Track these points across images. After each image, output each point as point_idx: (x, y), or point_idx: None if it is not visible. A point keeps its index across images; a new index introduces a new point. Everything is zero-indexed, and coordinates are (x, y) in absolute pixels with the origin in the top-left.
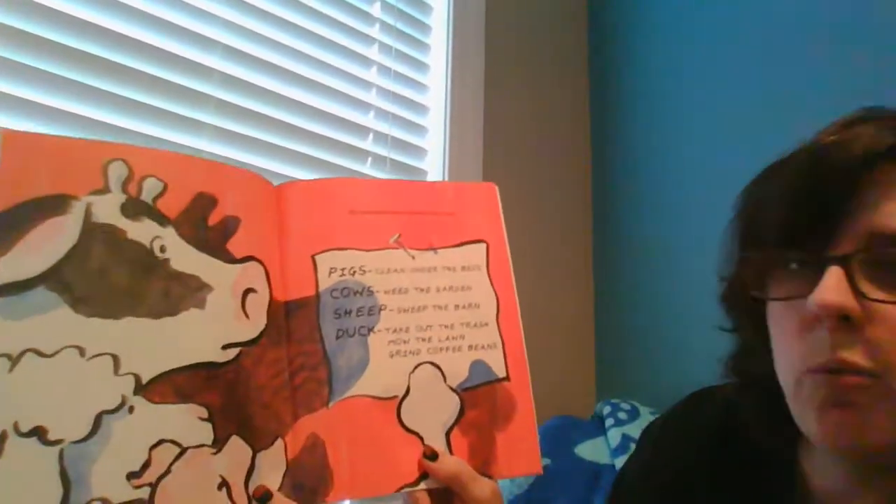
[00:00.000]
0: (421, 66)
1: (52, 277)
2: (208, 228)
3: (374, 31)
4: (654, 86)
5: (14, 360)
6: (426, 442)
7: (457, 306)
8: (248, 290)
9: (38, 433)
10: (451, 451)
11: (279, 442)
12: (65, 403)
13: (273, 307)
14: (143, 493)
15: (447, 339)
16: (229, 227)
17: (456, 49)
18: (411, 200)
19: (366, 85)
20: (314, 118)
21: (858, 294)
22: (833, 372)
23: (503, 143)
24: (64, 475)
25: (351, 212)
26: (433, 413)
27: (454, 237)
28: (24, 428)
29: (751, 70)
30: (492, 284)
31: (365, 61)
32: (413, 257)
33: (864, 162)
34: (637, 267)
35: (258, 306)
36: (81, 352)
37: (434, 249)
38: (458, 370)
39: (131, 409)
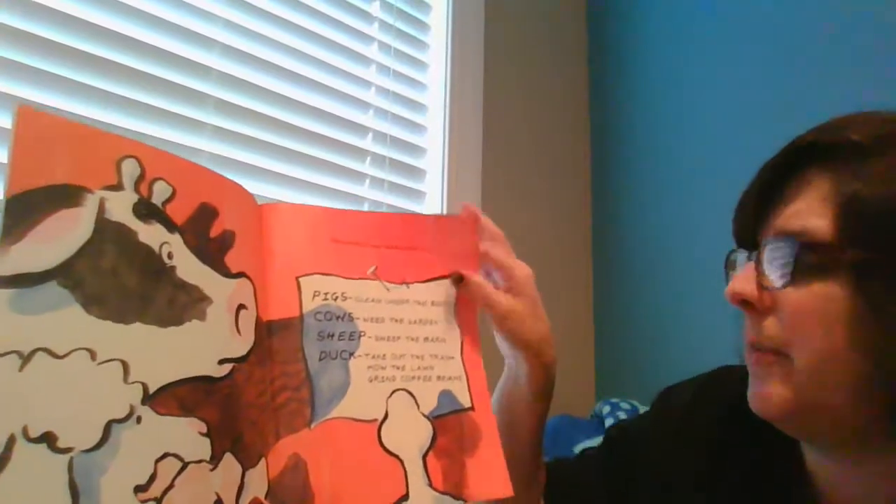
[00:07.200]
0: (420, 65)
1: (65, 273)
2: (209, 240)
3: (374, 30)
4: (653, 84)
5: (25, 359)
6: (405, 465)
7: (426, 339)
8: (241, 306)
9: (48, 439)
10: (427, 475)
11: (263, 461)
12: (75, 409)
13: (258, 325)
14: None
15: (418, 368)
16: (227, 240)
17: (455, 48)
18: (390, 235)
19: (365, 84)
20: (313, 117)
21: (759, 284)
22: (752, 349)
23: (502, 142)
24: (73, 486)
25: (333, 240)
26: (410, 437)
27: (426, 273)
28: (34, 433)
29: (750, 70)
30: (457, 321)
31: (364, 60)
32: (388, 289)
33: (780, 164)
34: (637, 267)
35: (248, 323)
36: (92, 355)
37: (406, 284)
38: (429, 398)
39: (139, 420)
